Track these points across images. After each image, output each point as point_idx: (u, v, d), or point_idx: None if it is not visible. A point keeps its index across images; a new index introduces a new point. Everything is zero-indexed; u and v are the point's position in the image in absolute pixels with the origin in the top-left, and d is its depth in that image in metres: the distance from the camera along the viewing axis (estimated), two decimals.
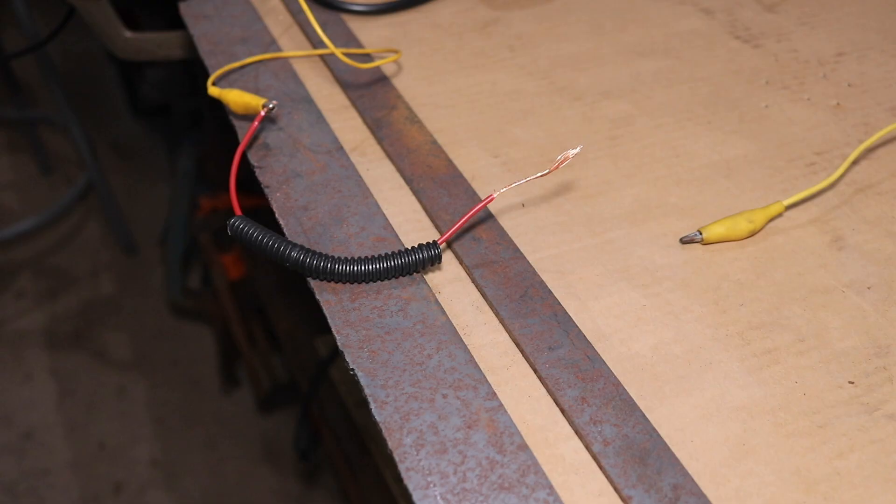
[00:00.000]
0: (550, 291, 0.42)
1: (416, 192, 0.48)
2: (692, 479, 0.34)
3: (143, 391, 1.49)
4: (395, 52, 0.58)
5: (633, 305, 0.42)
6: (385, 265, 0.42)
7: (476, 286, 0.43)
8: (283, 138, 0.52)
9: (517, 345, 0.40)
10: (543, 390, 0.38)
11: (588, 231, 0.47)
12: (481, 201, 0.42)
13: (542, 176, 0.42)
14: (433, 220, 0.47)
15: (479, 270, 0.43)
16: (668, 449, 0.35)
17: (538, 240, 0.46)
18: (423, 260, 0.42)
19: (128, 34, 0.79)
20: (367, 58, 0.59)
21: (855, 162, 0.52)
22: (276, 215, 0.47)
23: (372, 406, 0.37)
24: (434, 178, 0.49)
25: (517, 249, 0.45)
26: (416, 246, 0.42)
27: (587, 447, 0.36)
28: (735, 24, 0.65)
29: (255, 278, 1.30)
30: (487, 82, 0.58)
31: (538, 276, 0.43)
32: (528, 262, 0.44)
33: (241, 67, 0.57)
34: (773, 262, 0.45)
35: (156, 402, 1.48)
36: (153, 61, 0.82)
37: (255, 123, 0.50)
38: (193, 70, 1.43)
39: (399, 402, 0.37)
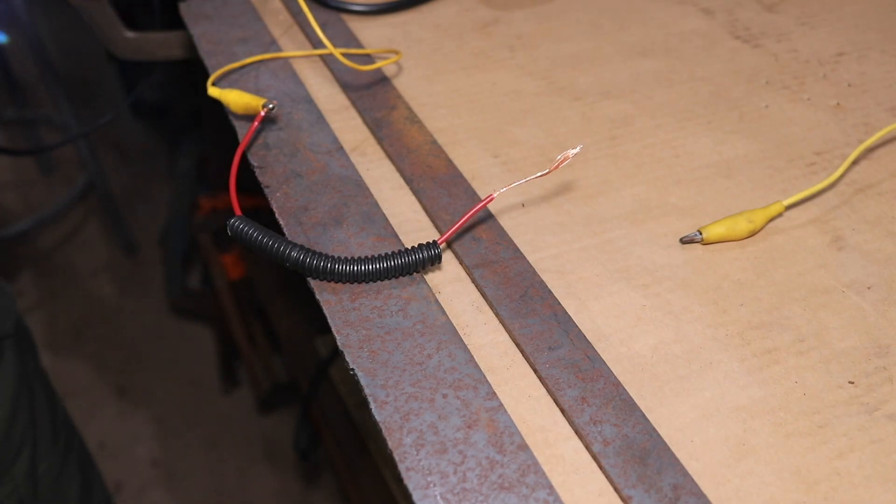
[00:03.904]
0: (550, 291, 0.42)
1: (416, 192, 0.48)
2: (692, 479, 0.34)
3: (143, 391, 1.49)
4: (396, 52, 0.58)
5: (633, 305, 0.42)
6: (385, 265, 0.42)
7: (476, 286, 0.43)
8: (283, 138, 0.52)
9: (517, 345, 0.40)
10: (543, 390, 0.38)
11: (588, 231, 0.47)
12: (481, 201, 0.42)
13: (542, 176, 0.42)
14: (433, 220, 0.47)
15: (479, 270, 0.43)
16: (668, 449, 0.35)
17: (538, 240, 0.46)
18: (423, 260, 0.42)
19: (128, 34, 0.79)
20: (368, 58, 0.59)
21: (855, 162, 0.52)
22: (276, 215, 0.46)
23: (372, 406, 0.37)
24: (434, 178, 0.49)
25: (517, 249, 0.45)
26: (416, 246, 0.42)
27: (587, 447, 0.36)
28: (735, 24, 0.65)
29: (255, 278, 1.29)
30: (487, 82, 0.58)
31: (538, 276, 0.43)
32: (528, 262, 0.44)
33: (241, 67, 0.57)
34: (773, 262, 0.45)
35: (156, 402, 1.48)
36: (153, 61, 0.82)
37: (255, 123, 0.50)
38: (193, 70, 1.43)
39: (399, 402, 0.37)
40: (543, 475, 0.34)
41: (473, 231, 0.46)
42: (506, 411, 0.37)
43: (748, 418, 0.37)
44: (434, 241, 0.42)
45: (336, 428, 1.03)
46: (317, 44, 0.60)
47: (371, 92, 0.56)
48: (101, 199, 1.66)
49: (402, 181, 0.49)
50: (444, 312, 0.41)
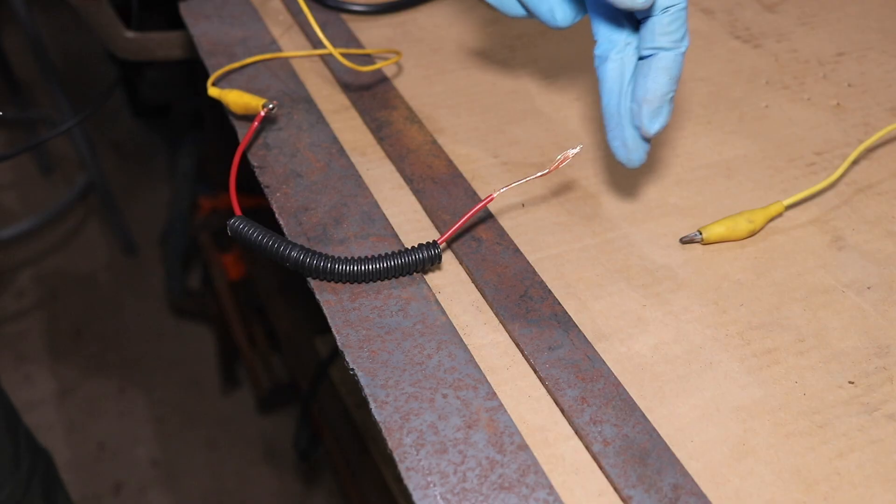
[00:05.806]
0: (550, 291, 0.42)
1: (416, 192, 0.48)
2: (692, 479, 0.34)
3: (143, 391, 1.49)
4: (396, 52, 0.58)
5: (633, 305, 0.42)
6: (385, 265, 0.42)
7: (476, 286, 0.43)
8: (283, 138, 0.52)
9: (517, 345, 0.40)
10: (543, 390, 0.38)
11: (588, 231, 0.47)
12: (481, 201, 0.42)
13: (542, 176, 0.42)
14: (433, 220, 0.47)
15: (479, 270, 0.43)
16: (668, 449, 0.35)
17: (538, 240, 0.46)
18: (423, 260, 0.42)
19: (128, 34, 0.80)
20: (368, 58, 0.59)
21: (855, 162, 0.52)
22: (276, 215, 0.47)
23: (372, 406, 0.37)
24: (434, 178, 0.49)
25: (517, 249, 0.45)
26: (416, 246, 0.42)
27: (587, 447, 0.36)
28: (735, 24, 0.65)
29: (255, 278, 1.30)
30: (487, 82, 0.58)
31: (538, 276, 0.43)
32: (528, 262, 0.44)
33: (241, 67, 0.57)
34: (773, 262, 0.45)
35: (156, 402, 1.48)
36: (153, 61, 0.82)
37: (255, 123, 0.50)
38: (193, 70, 1.43)
39: (399, 402, 0.37)
40: (543, 475, 0.34)
41: (473, 231, 0.46)
42: (506, 411, 0.37)
43: (748, 418, 0.37)
44: (434, 241, 0.42)
45: (336, 428, 1.03)
46: (317, 44, 0.60)
47: (371, 92, 0.56)
48: (101, 199, 1.66)
49: (402, 181, 0.49)
50: (444, 312, 0.41)
